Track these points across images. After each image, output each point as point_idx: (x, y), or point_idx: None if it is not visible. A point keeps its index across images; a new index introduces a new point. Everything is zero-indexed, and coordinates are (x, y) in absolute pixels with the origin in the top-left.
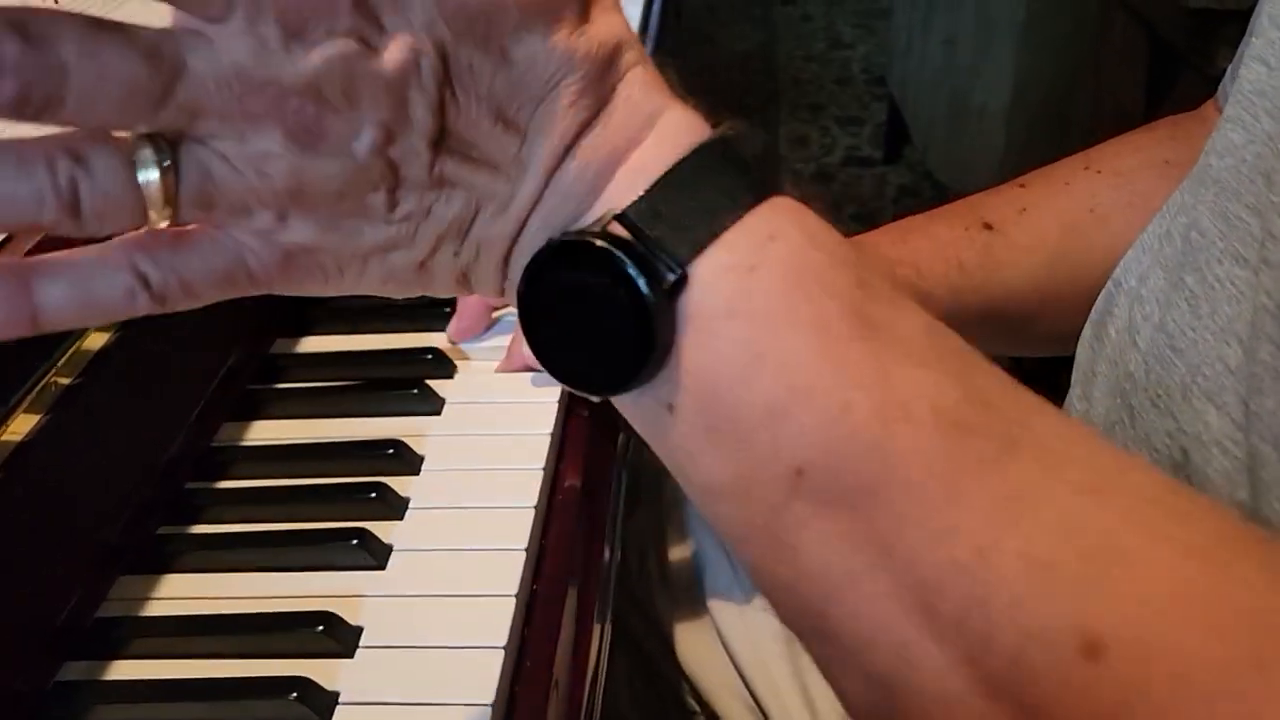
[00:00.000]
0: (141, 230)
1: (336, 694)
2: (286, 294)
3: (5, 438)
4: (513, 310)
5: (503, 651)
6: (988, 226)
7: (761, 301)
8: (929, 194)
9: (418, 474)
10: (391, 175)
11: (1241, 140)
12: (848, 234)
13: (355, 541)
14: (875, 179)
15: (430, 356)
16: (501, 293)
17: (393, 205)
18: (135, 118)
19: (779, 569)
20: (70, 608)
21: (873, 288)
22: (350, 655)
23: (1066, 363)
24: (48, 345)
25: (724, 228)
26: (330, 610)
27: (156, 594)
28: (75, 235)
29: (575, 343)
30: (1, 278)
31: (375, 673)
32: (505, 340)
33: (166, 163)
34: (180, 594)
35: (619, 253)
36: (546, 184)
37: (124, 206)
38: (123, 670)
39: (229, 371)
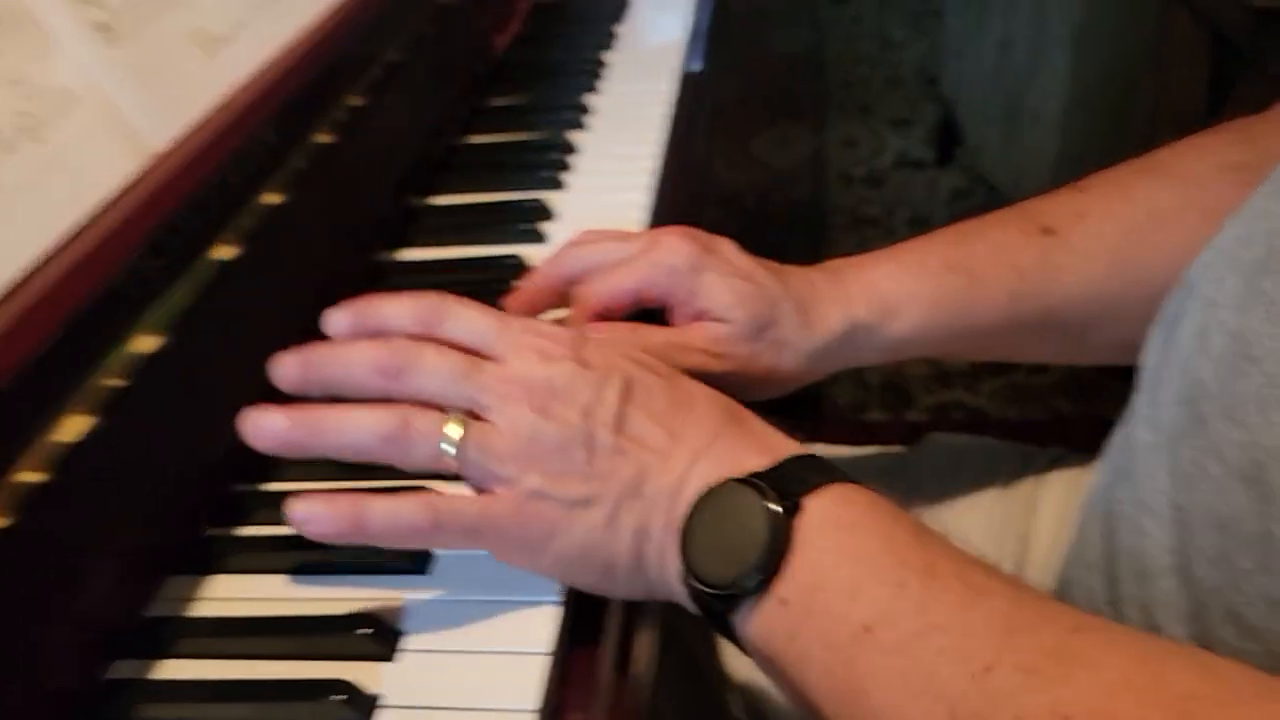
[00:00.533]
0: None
1: (376, 697)
2: (512, 554)
3: (56, 439)
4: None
5: (545, 657)
6: (1046, 231)
7: (849, 521)
8: (982, 197)
9: (461, 479)
10: (589, 439)
11: None
12: (901, 238)
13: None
14: (927, 182)
15: None
16: (663, 554)
17: (590, 460)
18: (446, 389)
19: (856, 712)
20: (120, 607)
21: (918, 525)
22: (391, 658)
23: (1124, 372)
24: (99, 347)
25: (821, 485)
26: (372, 613)
27: (204, 595)
28: (384, 463)
29: (724, 549)
30: (345, 507)
31: (416, 676)
32: None
33: (463, 425)
34: (227, 595)
35: (767, 489)
36: (696, 462)
37: (431, 449)
38: (170, 669)
39: None
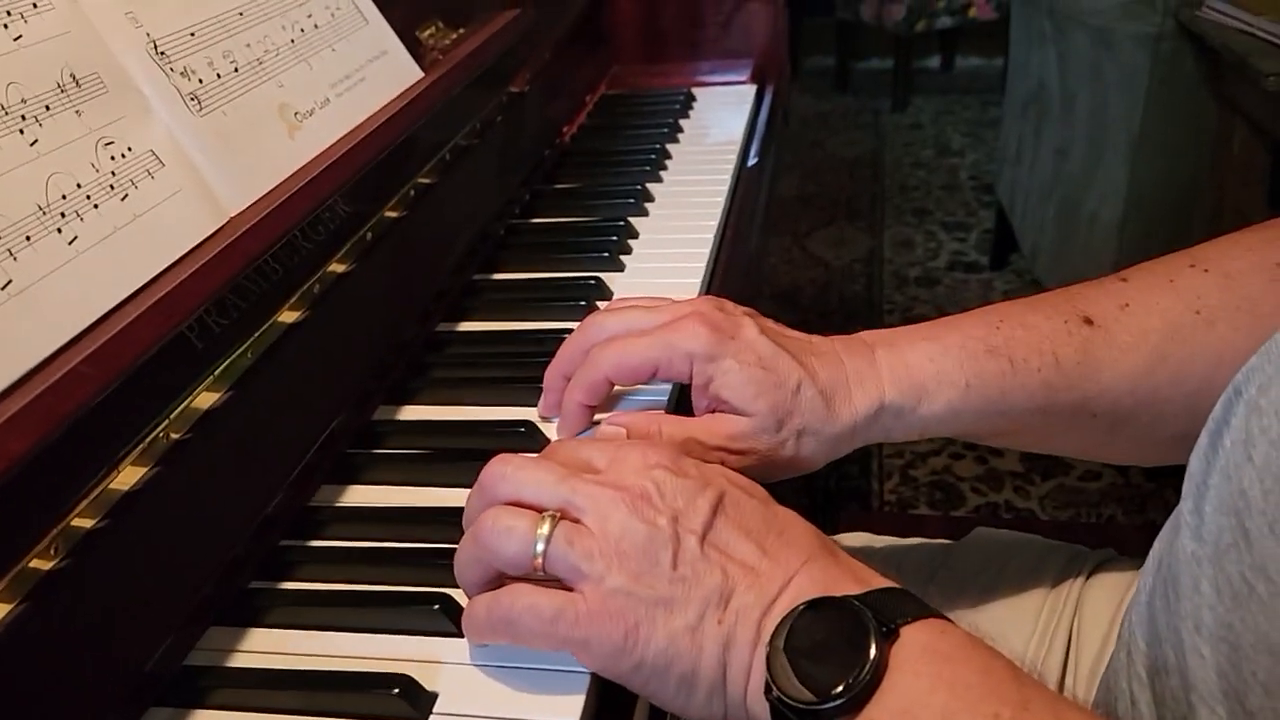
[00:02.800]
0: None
1: None
2: (593, 656)
3: (113, 486)
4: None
5: None
6: (1088, 322)
7: (946, 651)
8: None
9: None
10: (675, 542)
11: None
12: None
13: (436, 606)
14: (981, 284)
15: (523, 430)
16: (749, 670)
17: (675, 564)
18: (542, 493)
19: None
20: (160, 654)
21: (1013, 663)
22: None
23: (1177, 481)
24: (164, 399)
25: (919, 617)
26: (407, 674)
27: (243, 647)
28: (478, 556)
29: (816, 666)
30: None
31: None
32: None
33: (554, 522)
34: (265, 648)
35: (864, 611)
36: (789, 581)
37: (522, 545)
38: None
39: (330, 435)
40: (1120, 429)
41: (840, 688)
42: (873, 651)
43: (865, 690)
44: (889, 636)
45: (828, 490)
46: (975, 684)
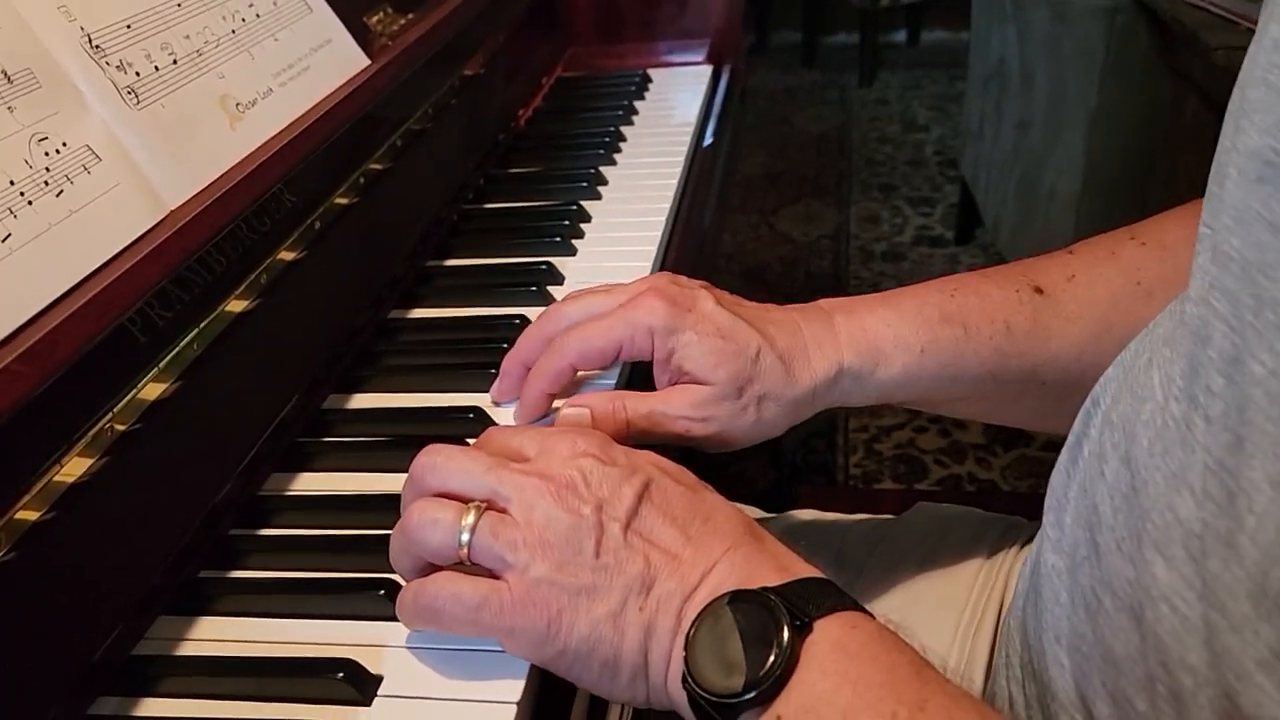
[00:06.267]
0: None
1: None
2: (518, 644)
3: (58, 478)
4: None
5: (515, 707)
6: (1039, 291)
7: (854, 648)
8: None
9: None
10: (599, 530)
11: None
12: None
13: (381, 591)
14: (946, 259)
15: (472, 415)
16: (669, 657)
17: (598, 553)
18: (468, 483)
19: None
20: (109, 644)
21: (919, 659)
22: (368, 704)
23: None
24: (107, 392)
25: (833, 610)
26: (352, 658)
27: (192, 635)
28: (406, 547)
29: (730, 659)
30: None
31: None
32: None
33: (479, 513)
34: (214, 636)
35: (779, 605)
36: (710, 569)
37: (447, 536)
38: (152, 707)
39: (280, 424)
40: (1069, 397)
41: (751, 684)
42: (784, 647)
43: (775, 685)
44: (801, 630)
45: (794, 464)
46: (878, 683)
